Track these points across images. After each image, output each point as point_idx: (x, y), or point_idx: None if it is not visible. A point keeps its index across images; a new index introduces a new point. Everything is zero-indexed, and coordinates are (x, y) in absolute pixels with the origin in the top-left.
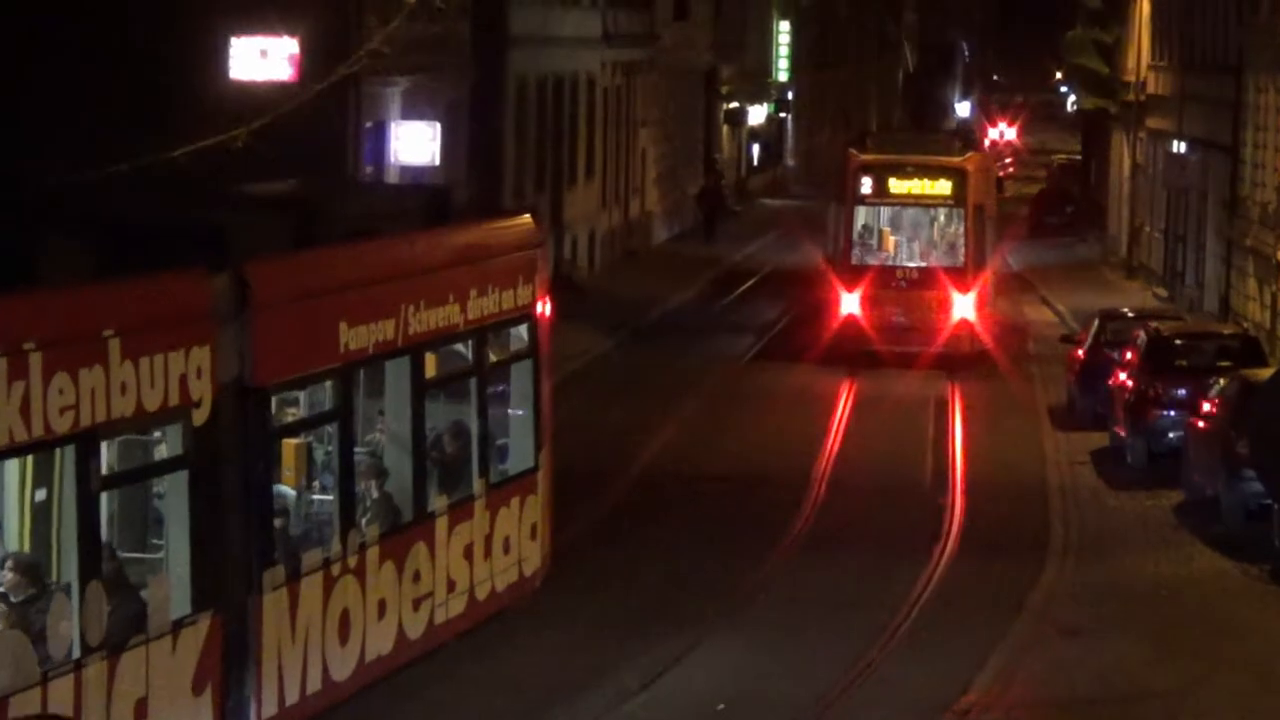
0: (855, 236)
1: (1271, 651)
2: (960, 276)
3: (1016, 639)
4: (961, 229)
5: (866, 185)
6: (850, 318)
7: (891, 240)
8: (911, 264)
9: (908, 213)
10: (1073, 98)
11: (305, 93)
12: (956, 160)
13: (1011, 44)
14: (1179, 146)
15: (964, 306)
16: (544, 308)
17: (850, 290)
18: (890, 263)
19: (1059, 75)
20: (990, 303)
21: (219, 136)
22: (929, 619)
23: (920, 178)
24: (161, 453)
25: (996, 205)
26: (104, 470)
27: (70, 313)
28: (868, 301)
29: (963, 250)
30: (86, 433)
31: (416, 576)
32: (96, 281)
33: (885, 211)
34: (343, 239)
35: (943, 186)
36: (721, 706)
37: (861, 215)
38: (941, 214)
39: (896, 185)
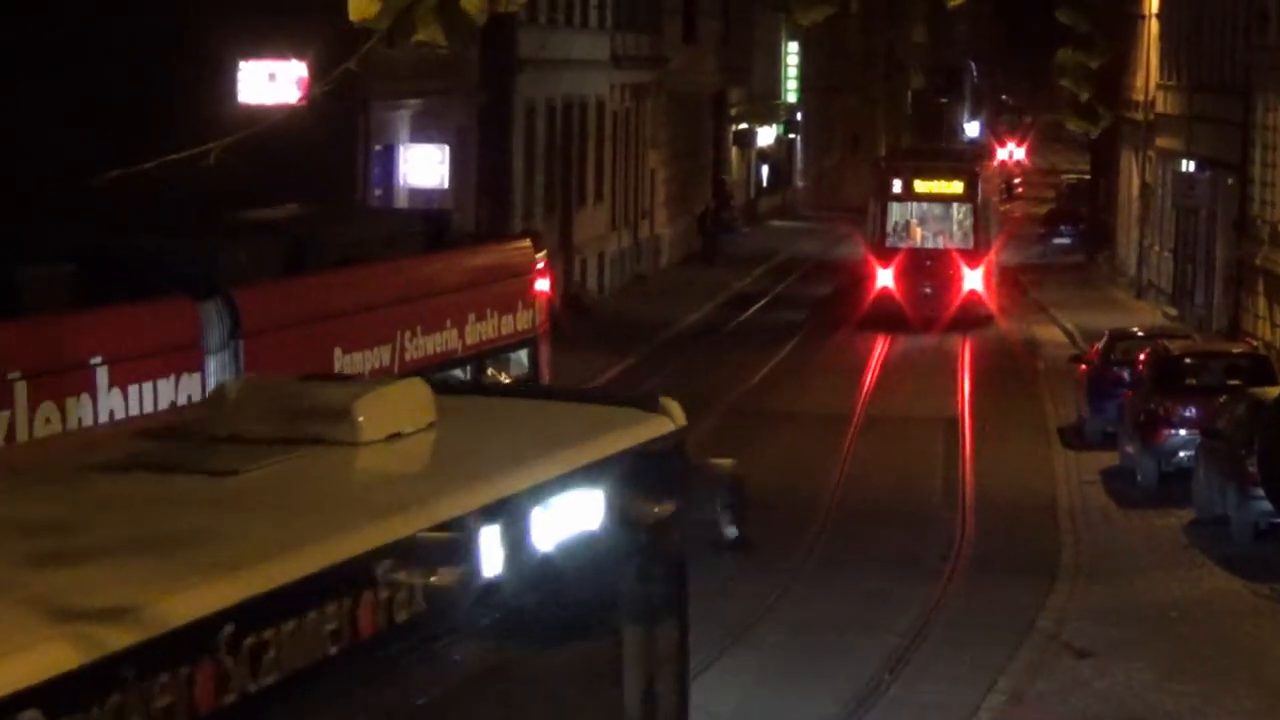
0: (889, 227)
1: None
2: (970, 256)
3: (1027, 659)
4: (971, 220)
5: (897, 186)
6: (885, 289)
7: (917, 229)
8: (932, 247)
9: (930, 207)
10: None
11: (277, 114)
12: (966, 165)
13: (1020, 65)
14: (1188, 166)
15: (973, 279)
16: (545, 332)
17: (885, 267)
18: (916, 246)
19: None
20: (994, 276)
21: (189, 151)
22: (939, 641)
23: (939, 179)
24: None
25: (1000, 202)
26: None
27: (56, 341)
28: (899, 276)
29: (972, 236)
30: None
31: None
32: (83, 309)
33: (912, 206)
34: (337, 264)
35: (956, 187)
36: None
37: (894, 210)
38: (955, 208)
39: (921, 186)
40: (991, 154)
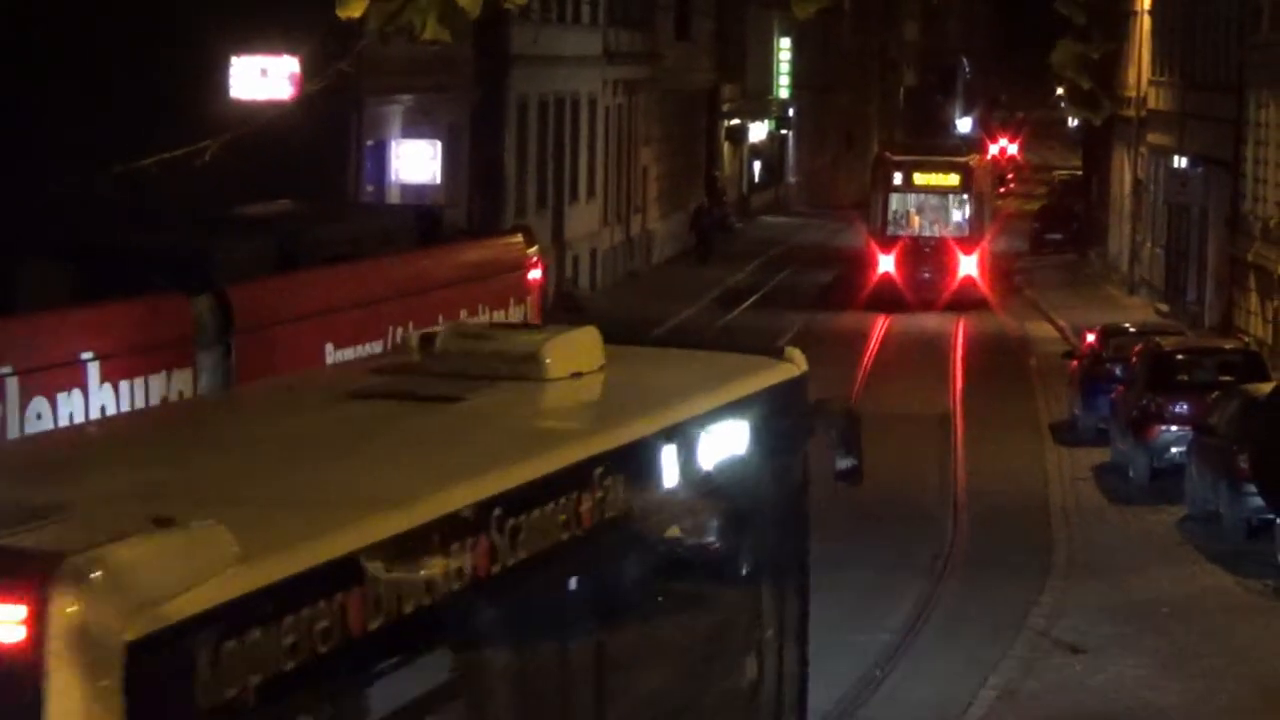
0: (889, 216)
1: (1276, 667)
2: (965, 244)
3: (1020, 656)
4: (966, 210)
5: (897, 178)
6: (886, 274)
7: (915, 218)
8: (930, 235)
9: (927, 198)
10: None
11: (270, 111)
12: (962, 160)
13: (1013, 62)
14: (1180, 162)
15: (968, 265)
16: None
17: (886, 253)
18: (915, 234)
19: (1059, 91)
20: (988, 262)
21: (185, 149)
22: (931, 637)
23: (936, 172)
24: None
25: (993, 195)
26: None
27: (48, 337)
28: (898, 262)
29: (967, 225)
30: None
31: None
32: (75, 305)
33: (911, 197)
34: (329, 260)
35: (953, 179)
36: None
37: (894, 200)
38: (951, 199)
39: (919, 178)
40: (984, 150)
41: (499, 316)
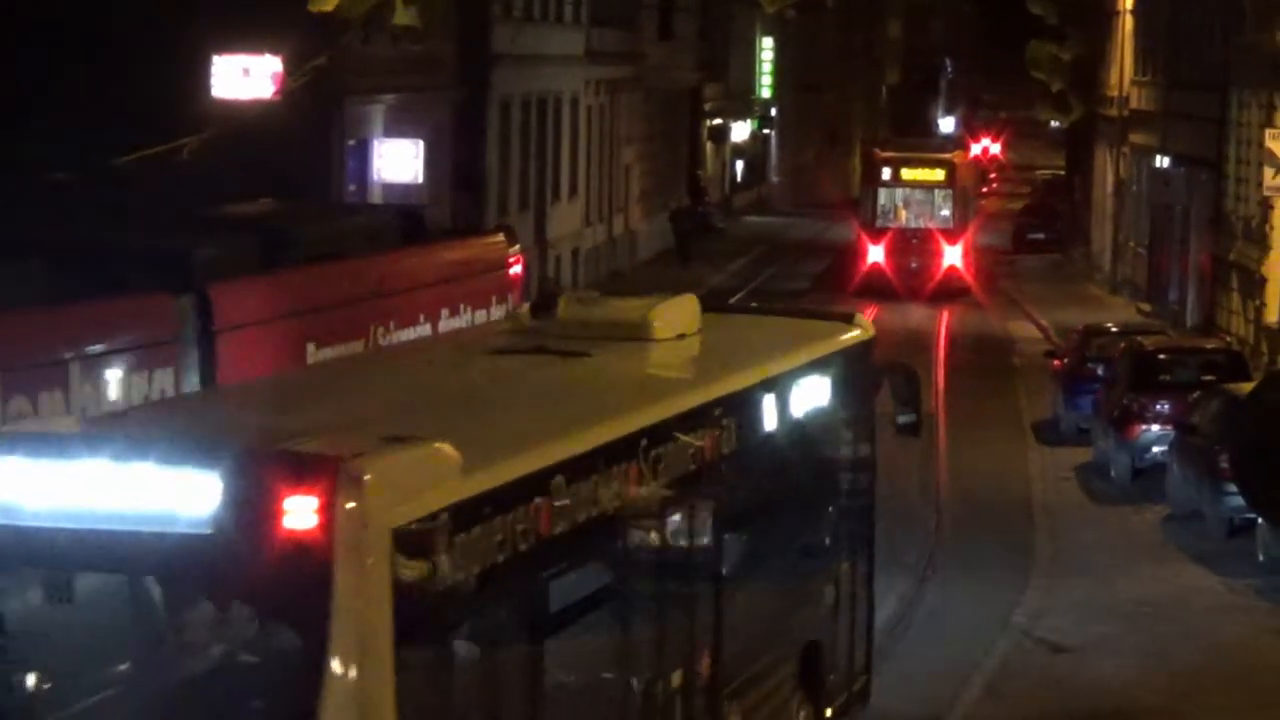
0: (879, 209)
1: (1259, 667)
2: (950, 235)
3: (1003, 655)
4: (951, 204)
5: (886, 174)
6: (875, 264)
7: (903, 211)
8: (917, 226)
9: (914, 192)
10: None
11: (251, 111)
12: (947, 156)
13: (996, 62)
14: (1163, 162)
15: (953, 255)
16: None
17: (875, 244)
18: (903, 226)
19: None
20: (972, 253)
21: (163, 146)
22: (915, 637)
23: (923, 168)
24: None
25: (976, 190)
26: None
27: (32, 336)
28: (888, 252)
29: (952, 218)
30: None
31: None
32: (59, 304)
33: (899, 191)
34: (311, 260)
35: (939, 175)
36: None
37: (882, 195)
38: (937, 193)
39: (907, 173)
40: (967, 148)
41: (481, 316)
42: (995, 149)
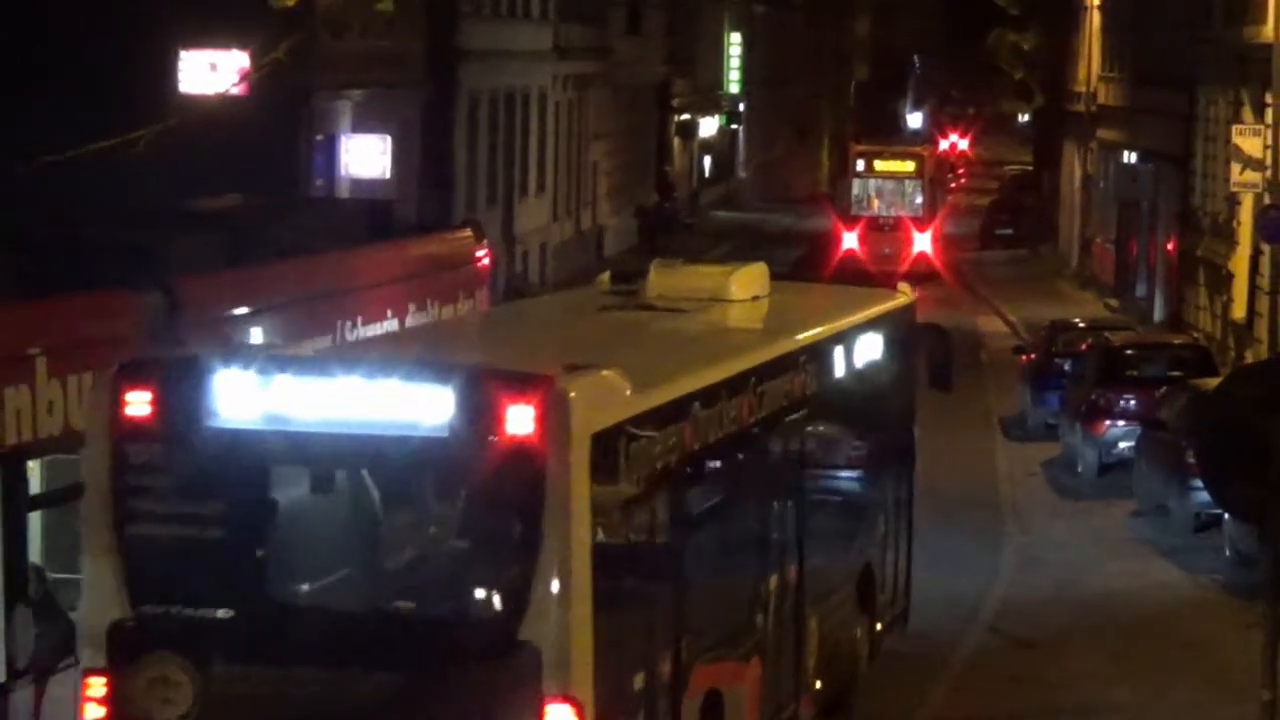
0: (853, 198)
1: (1226, 662)
2: (920, 223)
3: (971, 651)
4: (920, 193)
5: (860, 165)
6: (850, 250)
7: (876, 201)
8: (889, 215)
9: (886, 183)
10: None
11: (208, 104)
12: (917, 150)
13: (964, 58)
14: (1130, 158)
15: (922, 241)
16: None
17: (850, 231)
18: (875, 214)
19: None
20: (940, 241)
21: (117, 139)
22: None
23: (895, 160)
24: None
25: (944, 182)
26: (32, 491)
27: None
28: (861, 239)
29: (921, 207)
30: (13, 452)
31: None
32: (23, 300)
33: (872, 182)
34: (278, 255)
35: (909, 166)
36: None
37: (856, 185)
38: (908, 184)
39: (880, 165)
40: (936, 144)
41: (448, 310)
42: (963, 144)
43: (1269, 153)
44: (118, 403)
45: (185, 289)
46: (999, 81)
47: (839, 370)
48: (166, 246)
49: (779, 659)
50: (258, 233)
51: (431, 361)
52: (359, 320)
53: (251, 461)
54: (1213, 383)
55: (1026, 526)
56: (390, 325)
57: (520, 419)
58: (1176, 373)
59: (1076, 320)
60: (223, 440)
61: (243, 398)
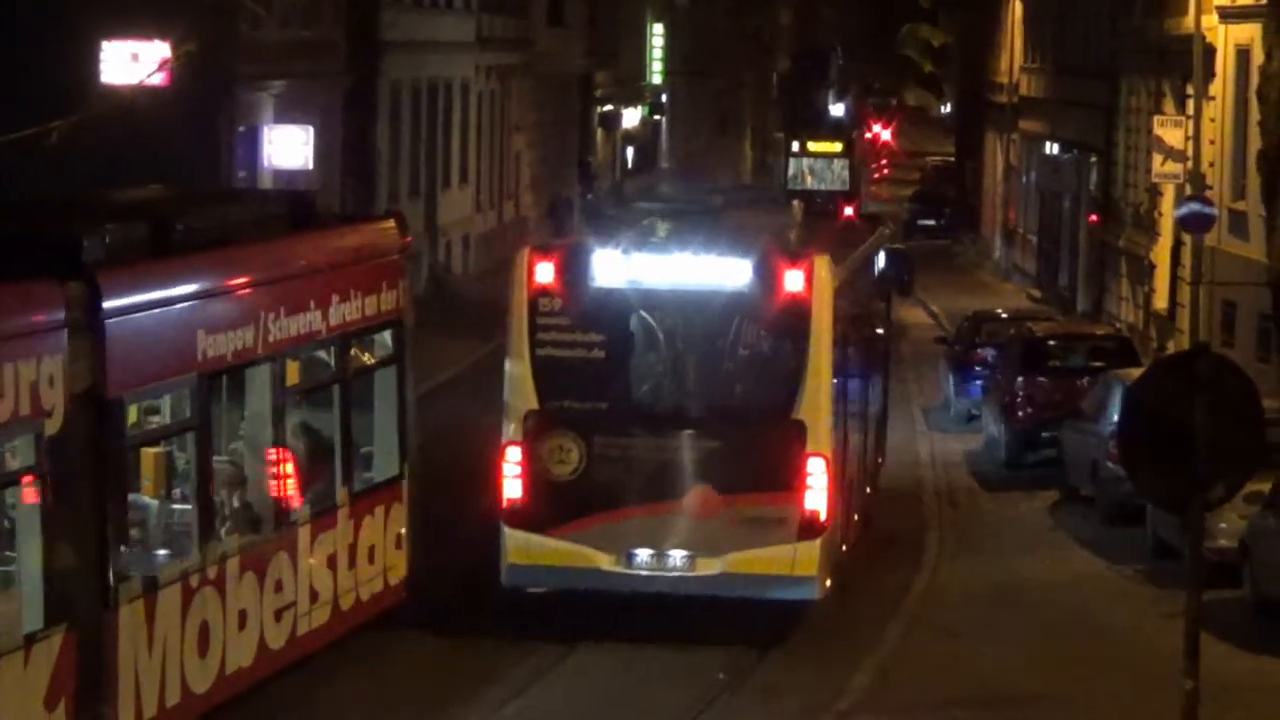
0: (789, 175)
1: (1148, 653)
2: (847, 197)
3: (895, 641)
4: (847, 171)
5: (795, 147)
6: None
7: (809, 177)
8: (820, 189)
9: (817, 161)
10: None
11: (127, 94)
12: (845, 134)
13: (886, 50)
14: (1052, 148)
15: (849, 214)
16: (409, 313)
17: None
18: (809, 189)
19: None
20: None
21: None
22: (806, 622)
23: (825, 140)
24: (13, 464)
25: (867, 163)
26: None
27: None
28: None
29: (849, 182)
30: None
31: (278, 587)
32: None
33: (805, 160)
34: (200, 246)
35: (837, 146)
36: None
37: (791, 164)
38: (836, 162)
39: (813, 146)
40: (862, 131)
41: (371, 301)
42: (886, 135)
43: (1190, 144)
44: (531, 271)
45: (107, 279)
46: (912, 74)
47: (860, 295)
48: (89, 237)
49: (877, 434)
50: (180, 224)
51: (734, 244)
52: (282, 311)
53: (619, 309)
54: (1135, 373)
55: (949, 516)
56: (313, 316)
57: (794, 279)
58: (1098, 363)
59: (999, 311)
60: (599, 295)
61: (613, 267)
